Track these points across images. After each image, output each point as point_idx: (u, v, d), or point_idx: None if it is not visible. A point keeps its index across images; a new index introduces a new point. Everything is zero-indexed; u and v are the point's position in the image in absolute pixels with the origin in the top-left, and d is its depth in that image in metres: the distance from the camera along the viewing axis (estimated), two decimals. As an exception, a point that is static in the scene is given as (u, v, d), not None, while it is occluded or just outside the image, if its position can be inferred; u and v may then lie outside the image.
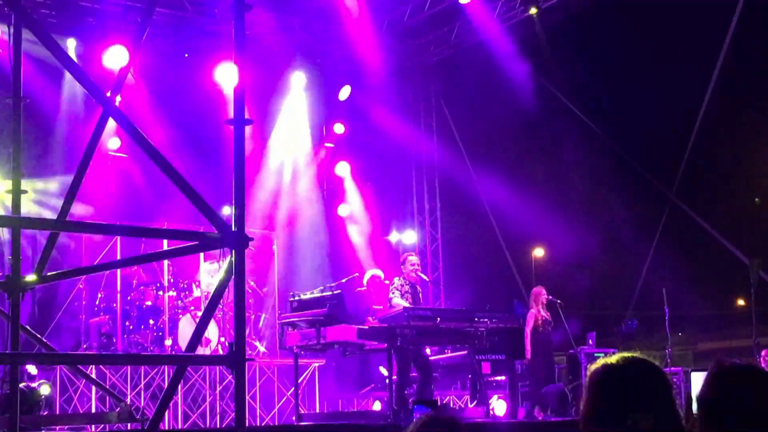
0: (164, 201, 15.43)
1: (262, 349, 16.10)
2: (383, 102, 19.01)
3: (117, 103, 6.42)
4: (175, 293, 15.35)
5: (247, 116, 5.17)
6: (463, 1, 17.12)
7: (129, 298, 15.27)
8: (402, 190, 20.19)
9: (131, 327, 15.06)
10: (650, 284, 18.30)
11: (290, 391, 14.73)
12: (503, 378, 13.45)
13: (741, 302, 21.70)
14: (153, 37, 16.43)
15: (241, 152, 5.12)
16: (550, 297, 15.37)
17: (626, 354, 3.29)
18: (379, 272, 14.49)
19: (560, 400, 14.31)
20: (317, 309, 11.51)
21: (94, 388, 13.39)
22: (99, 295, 15.34)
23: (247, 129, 5.27)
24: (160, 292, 15.28)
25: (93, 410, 13.66)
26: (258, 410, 15.20)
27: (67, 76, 13.75)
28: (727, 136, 17.74)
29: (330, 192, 19.55)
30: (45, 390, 12.05)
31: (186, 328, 14.83)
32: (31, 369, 12.13)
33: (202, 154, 16.27)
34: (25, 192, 6.46)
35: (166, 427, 12.84)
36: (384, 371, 15.35)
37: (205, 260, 15.87)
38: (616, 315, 19.38)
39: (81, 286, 15.24)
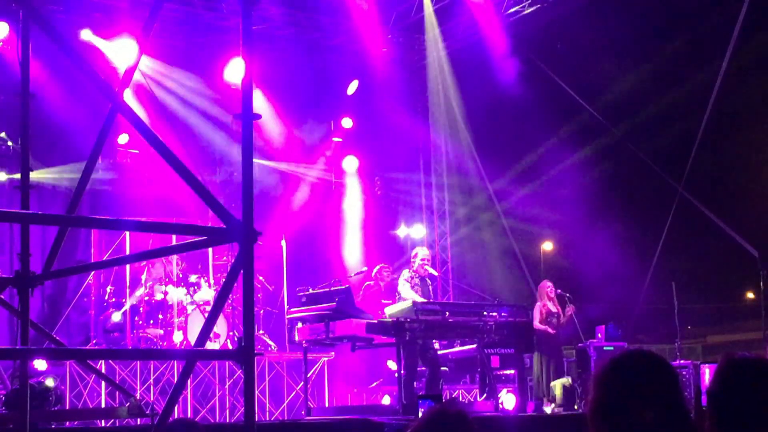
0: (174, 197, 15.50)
1: (272, 345, 16.10)
2: (391, 96, 19.00)
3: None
4: (184, 288, 15.38)
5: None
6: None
7: (138, 293, 15.30)
8: (410, 184, 20.18)
9: (140, 322, 15.09)
10: (659, 277, 18.28)
11: (299, 386, 14.74)
12: (512, 372, 13.44)
13: (750, 295, 21.66)
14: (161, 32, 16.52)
15: (249, 146, 5.12)
16: (559, 290, 15.38)
17: (634, 348, 3.30)
18: (383, 265, 14.49)
19: (564, 393, 14.34)
20: (326, 303, 11.54)
21: (103, 383, 13.43)
22: (108, 290, 15.37)
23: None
24: (170, 287, 15.31)
25: (103, 405, 13.69)
26: (267, 405, 15.21)
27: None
28: (736, 129, 17.70)
29: (338, 186, 19.55)
30: (49, 383, 12.07)
31: (195, 323, 14.85)
32: (38, 365, 12.12)
33: (211, 151, 16.35)
34: (33, 187, 6.47)
35: (176, 422, 12.85)
36: (392, 365, 15.37)
37: (214, 256, 15.92)
38: (626, 308, 19.37)
39: (90, 281, 15.28)
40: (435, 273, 14.50)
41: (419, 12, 18.01)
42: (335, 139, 19.46)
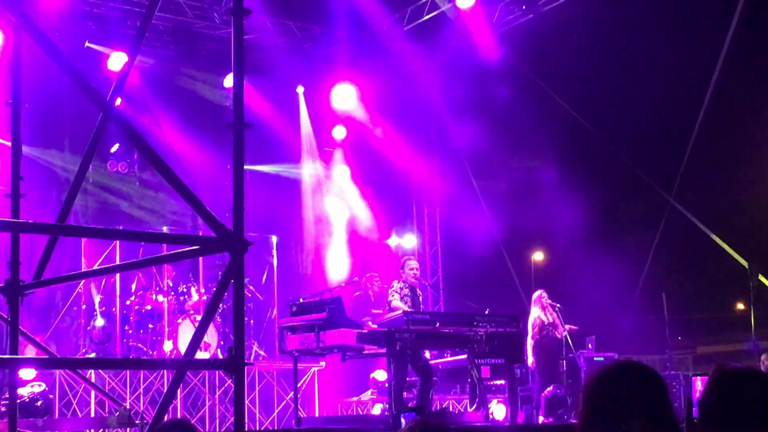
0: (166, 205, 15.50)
1: (262, 355, 16.08)
2: (383, 106, 19.03)
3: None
4: (174, 297, 15.34)
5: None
6: (462, 6, 17.11)
7: (128, 302, 15.26)
8: (401, 193, 20.17)
9: (130, 331, 15.05)
10: (649, 288, 18.29)
11: (290, 396, 14.72)
12: (503, 382, 13.44)
13: (740, 306, 21.69)
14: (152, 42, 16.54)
15: (241, 155, 5.12)
16: (550, 300, 15.39)
17: (623, 359, 3.30)
18: (377, 276, 14.49)
19: (551, 403, 14.36)
20: (316, 313, 11.52)
21: (93, 392, 13.39)
22: (98, 299, 15.32)
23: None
24: (160, 297, 15.28)
25: (92, 415, 13.64)
26: (257, 414, 15.19)
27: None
28: (727, 139, 17.72)
29: (330, 194, 19.54)
30: (36, 389, 12.01)
31: (185, 332, 14.82)
32: (24, 374, 12.01)
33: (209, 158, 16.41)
34: (24, 195, 6.46)
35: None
36: (377, 376, 15.36)
37: (204, 265, 15.90)
38: (616, 319, 19.38)
39: (80, 290, 15.24)
40: (426, 283, 14.49)
41: (410, 21, 18.00)
42: (327, 148, 19.48)
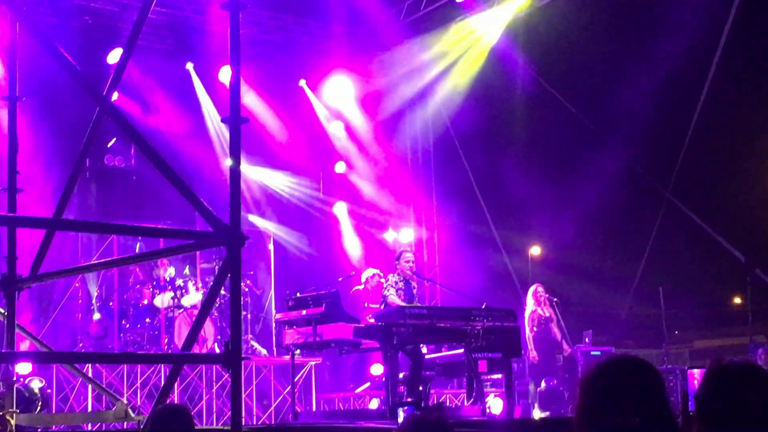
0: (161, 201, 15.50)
1: (262, 350, 16.07)
2: (380, 99, 19.01)
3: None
4: (171, 292, 15.34)
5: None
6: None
7: (125, 296, 15.26)
8: (399, 188, 20.15)
9: (128, 326, 15.05)
10: (646, 282, 18.30)
11: (287, 390, 14.73)
12: (500, 376, 13.44)
13: (737, 300, 21.74)
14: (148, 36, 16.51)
15: (237, 150, 5.12)
16: (547, 294, 15.39)
17: (620, 353, 3.31)
18: (376, 271, 14.46)
19: (547, 398, 14.36)
20: (314, 307, 11.51)
21: (90, 386, 13.39)
22: (95, 294, 15.33)
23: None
24: (157, 291, 15.28)
25: (89, 409, 13.64)
26: (254, 409, 15.19)
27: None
28: (724, 133, 17.73)
29: (327, 190, 19.52)
30: (36, 384, 12.01)
31: (182, 326, 14.82)
32: (21, 368, 12.00)
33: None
34: (22, 190, 6.45)
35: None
36: (375, 371, 15.34)
37: (201, 259, 15.90)
38: (613, 313, 19.39)
39: (77, 284, 15.24)
40: (423, 278, 14.43)
41: (408, 16, 17.96)
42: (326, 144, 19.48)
